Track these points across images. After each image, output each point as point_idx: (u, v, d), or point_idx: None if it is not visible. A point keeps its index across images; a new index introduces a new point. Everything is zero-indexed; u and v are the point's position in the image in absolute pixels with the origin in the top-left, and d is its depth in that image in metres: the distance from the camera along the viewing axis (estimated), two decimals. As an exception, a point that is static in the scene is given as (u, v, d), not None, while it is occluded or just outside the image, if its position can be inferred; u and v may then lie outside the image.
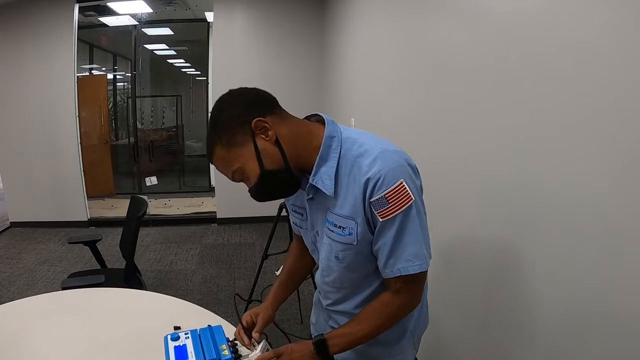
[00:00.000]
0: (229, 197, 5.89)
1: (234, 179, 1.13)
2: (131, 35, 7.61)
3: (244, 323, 1.39)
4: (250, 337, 1.35)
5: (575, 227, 1.31)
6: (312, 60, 5.54)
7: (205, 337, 1.38)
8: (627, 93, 1.09)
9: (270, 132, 1.06)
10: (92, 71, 8.00)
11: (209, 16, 6.56)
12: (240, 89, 1.13)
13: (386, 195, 1.02)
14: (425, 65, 2.49)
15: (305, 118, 1.21)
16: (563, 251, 1.37)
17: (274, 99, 1.14)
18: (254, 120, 1.05)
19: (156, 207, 6.47)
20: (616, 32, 1.13)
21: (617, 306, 1.16)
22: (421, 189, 1.12)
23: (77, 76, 5.59)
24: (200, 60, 8.41)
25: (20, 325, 1.63)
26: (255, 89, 1.14)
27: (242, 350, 1.35)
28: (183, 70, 10.77)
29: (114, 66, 8.55)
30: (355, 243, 1.11)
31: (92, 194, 6.12)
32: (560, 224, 1.38)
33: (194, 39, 8.44)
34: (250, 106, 1.08)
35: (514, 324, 1.67)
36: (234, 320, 1.53)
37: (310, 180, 1.11)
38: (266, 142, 1.07)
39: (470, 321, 2.06)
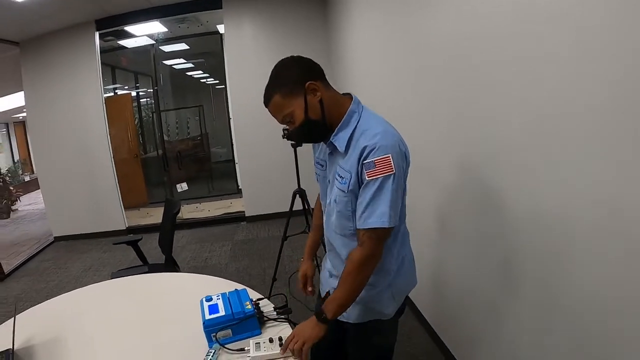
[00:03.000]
0: (256, 196, 6.22)
1: (282, 121, 1.45)
2: (150, 54, 8.03)
3: (302, 282, 1.87)
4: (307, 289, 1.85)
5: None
6: (317, 59, 5.68)
7: (233, 297, 1.69)
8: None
9: (317, 93, 1.41)
10: (116, 91, 8.46)
11: (221, 28, 6.83)
12: (299, 56, 1.47)
13: (375, 161, 1.32)
14: (426, 61, 2.58)
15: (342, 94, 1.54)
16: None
17: (322, 70, 1.48)
18: (308, 83, 1.39)
19: (188, 211, 6.83)
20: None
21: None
22: (406, 174, 1.43)
23: (104, 97, 6.03)
24: (217, 69, 8.69)
25: (76, 309, 1.97)
26: (310, 59, 1.47)
27: (264, 308, 1.68)
28: (202, 80, 11.15)
29: (135, 84, 9.04)
30: (346, 191, 1.43)
31: (128, 205, 6.54)
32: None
33: (209, 51, 8.77)
34: (306, 71, 1.43)
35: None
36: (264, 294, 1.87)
37: (331, 139, 1.46)
38: (313, 99, 1.40)
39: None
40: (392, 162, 1.32)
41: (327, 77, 1.47)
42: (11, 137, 15.30)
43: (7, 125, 15.03)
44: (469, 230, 2.24)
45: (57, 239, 6.36)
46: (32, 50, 5.84)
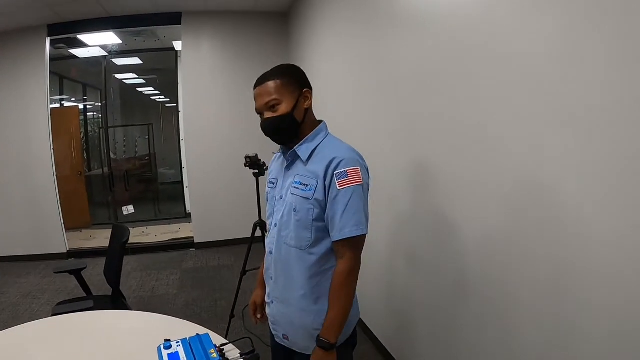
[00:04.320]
0: (206, 221, 6.01)
1: (265, 105, 1.49)
2: (101, 66, 7.71)
3: (251, 310, 1.85)
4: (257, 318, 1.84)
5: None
6: None
7: (195, 344, 1.53)
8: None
9: (308, 101, 1.53)
10: (63, 102, 8.03)
11: (177, 45, 6.70)
12: (302, 69, 1.58)
13: (347, 171, 1.40)
14: (380, 76, 2.82)
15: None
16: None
17: None
18: (307, 90, 1.53)
19: (134, 235, 6.42)
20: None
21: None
22: (368, 187, 1.50)
23: (50, 107, 5.66)
24: (169, 87, 8.47)
25: (16, 352, 1.71)
26: None
27: (229, 354, 1.52)
28: (152, 98, 10.82)
29: (84, 96, 8.59)
30: (311, 198, 1.45)
31: (69, 226, 6.10)
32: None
33: (162, 67, 8.53)
34: (308, 81, 1.56)
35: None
36: (220, 333, 1.76)
37: (294, 148, 1.53)
38: (302, 104, 1.52)
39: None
40: (360, 174, 1.41)
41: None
42: None
43: None
44: (423, 254, 2.40)
45: (-15, 259, 5.81)
46: None
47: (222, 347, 1.54)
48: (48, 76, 5.62)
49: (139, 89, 10.30)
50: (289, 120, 1.48)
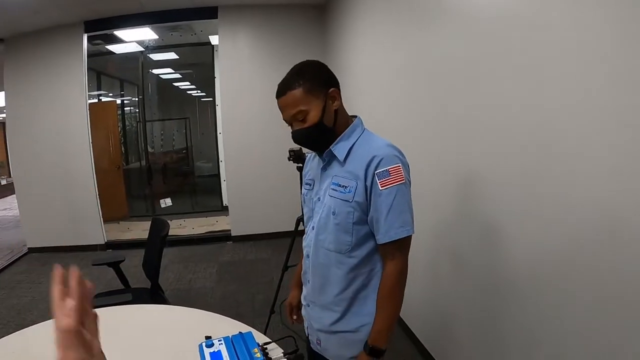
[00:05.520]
0: (243, 214, 5.96)
1: (292, 117, 1.38)
2: (138, 61, 7.80)
3: (287, 310, 1.81)
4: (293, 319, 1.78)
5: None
6: None
7: (237, 343, 1.47)
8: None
9: (336, 102, 1.40)
10: (101, 97, 8.16)
11: (213, 39, 6.69)
12: (323, 63, 1.43)
13: (389, 170, 1.30)
14: (424, 72, 2.62)
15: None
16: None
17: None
18: (333, 89, 1.39)
19: (171, 227, 6.48)
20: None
21: None
22: (410, 183, 1.40)
23: (88, 102, 5.74)
24: (205, 81, 8.52)
25: (48, 347, 1.67)
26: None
27: (272, 353, 1.45)
28: (189, 92, 10.93)
29: (121, 91, 8.73)
30: (351, 200, 1.36)
31: (107, 218, 6.20)
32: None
33: (198, 62, 8.56)
34: (332, 78, 1.42)
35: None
36: (258, 328, 1.69)
37: (330, 147, 1.43)
38: (331, 107, 1.39)
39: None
40: (402, 171, 1.33)
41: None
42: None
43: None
44: (471, 257, 2.24)
45: (32, 250, 5.97)
46: (17, 47, 5.57)
47: (265, 346, 1.48)
48: (86, 72, 5.68)
49: (176, 84, 10.43)
50: (320, 128, 1.38)
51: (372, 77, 3.67)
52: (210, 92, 7.91)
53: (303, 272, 1.61)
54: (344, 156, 1.40)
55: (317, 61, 1.44)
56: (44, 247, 5.94)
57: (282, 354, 1.47)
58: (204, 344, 1.46)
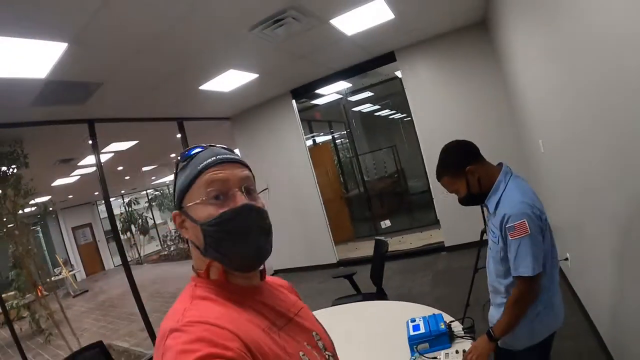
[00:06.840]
0: (454, 226, 6.18)
1: (452, 192, 1.95)
2: (340, 105, 9.09)
3: None
4: None
5: None
6: (490, 89, 5.63)
7: (431, 320, 2.12)
8: None
9: (475, 174, 1.87)
10: (314, 139, 9.70)
11: (399, 72, 7.19)
12: (458, 142, 1.95)
13: (515, 225, 1.71)
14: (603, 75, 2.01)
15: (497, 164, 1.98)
16: None
17: (477, 149, 1.93)
18: (468, 167, 1.86)
19: (392, 244, 7.11)
20: None
21: None
22: (543, 228, 1.74)
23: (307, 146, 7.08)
24: (403, 105, 9.02)
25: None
26: (468, 142, 1.94)
27: (454, 327, 2.07)
28: (390, 117, 11.74)
29: (330, 129, 10.21)
30: (497, 242, 1.83)
31: (337, 240, 7.30)
32: None
33: (392, 92, 9.35)
34: (465, 156, 1.89)
35: None
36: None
37: (485, 201, 1.91)
38: (472, 179, 1.87)
39: None
40: (527, 225, 1.69)
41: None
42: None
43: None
44: None
45: (277, 271, 7.48)
46: (241, 121, 7.57)
47: (450, 323, 2.08)
48: (300, 126, 7.09)
49: (377, 113, 11.39)
50: (471, 197, 1.90)
51: (541, 83, 3.28)
52: (410, 112, 8.43)
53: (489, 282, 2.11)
54: (494, 209, 1.85)
55: (455, 144, 1.95)
56: (287, 269, 7.47)
57: (461, 328, 2.07)
58: (409, 321, 2.14)
